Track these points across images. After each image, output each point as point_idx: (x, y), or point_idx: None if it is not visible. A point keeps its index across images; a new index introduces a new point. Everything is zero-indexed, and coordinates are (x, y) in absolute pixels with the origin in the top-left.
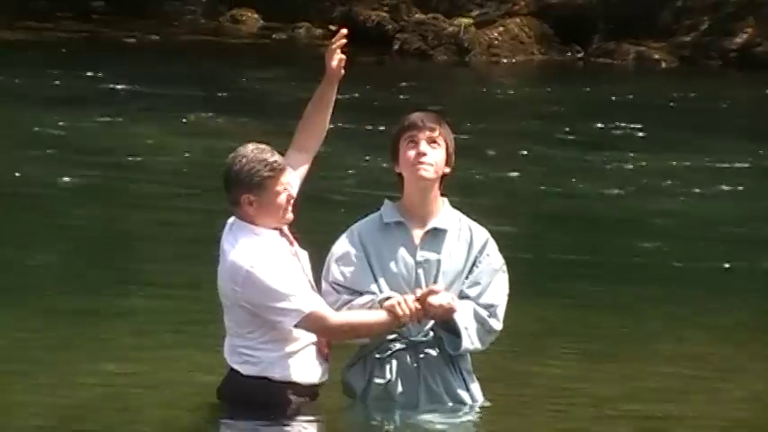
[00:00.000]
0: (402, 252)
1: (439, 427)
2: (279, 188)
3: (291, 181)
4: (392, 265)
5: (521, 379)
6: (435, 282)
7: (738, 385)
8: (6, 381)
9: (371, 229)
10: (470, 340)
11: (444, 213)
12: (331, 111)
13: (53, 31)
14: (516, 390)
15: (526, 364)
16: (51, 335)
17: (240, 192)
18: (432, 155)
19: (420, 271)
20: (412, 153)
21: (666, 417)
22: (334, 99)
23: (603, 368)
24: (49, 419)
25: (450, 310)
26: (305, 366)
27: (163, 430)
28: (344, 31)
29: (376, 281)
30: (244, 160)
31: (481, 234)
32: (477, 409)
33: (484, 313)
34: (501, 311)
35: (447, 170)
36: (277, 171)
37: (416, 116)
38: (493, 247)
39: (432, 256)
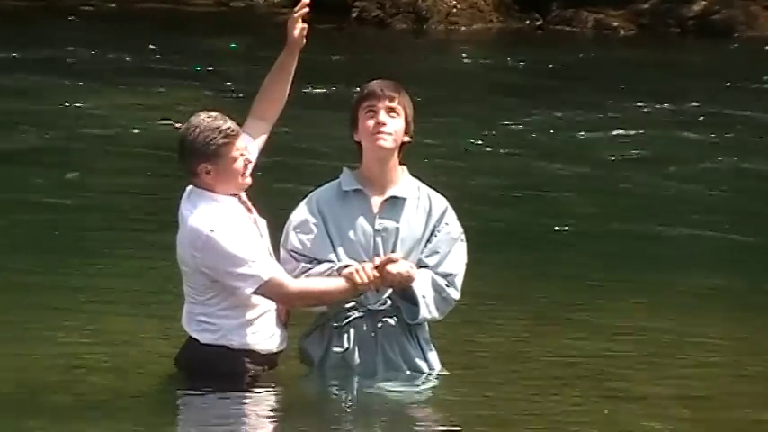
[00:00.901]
0: (360, 220)
1: (396, 395)
2: (235, 153)
3: (250, 148)
4: (350, 233)
5: (474, 347)
6: (394, 250)
7: (688, 357)
8: None
9: (330, 197)
10: (428, 309)
11: (403, 182)
12: (291, 80)
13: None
14: (471, 358)
15: (479, 332)
16: (9, 305)
17: (197, 162)
18: (391, 124)
19: (378, 239)
20: (371, 123)
21: (617, 387)
22: (294, 68)
23: (554, 338)
24: (7, 388)
25: (409, 279)
26: (263, 334)
27: (121, 400)
28: (307, 0)
29: (334, 249)
30: (197, 130)
31: (440, 203)
32: (435, 377)
33: (442, 282)
34: (459, 281)
35: (406, 139)
36: (231, 137)
37: (375, 85)
38: (452, 215)
39: (390, 224)
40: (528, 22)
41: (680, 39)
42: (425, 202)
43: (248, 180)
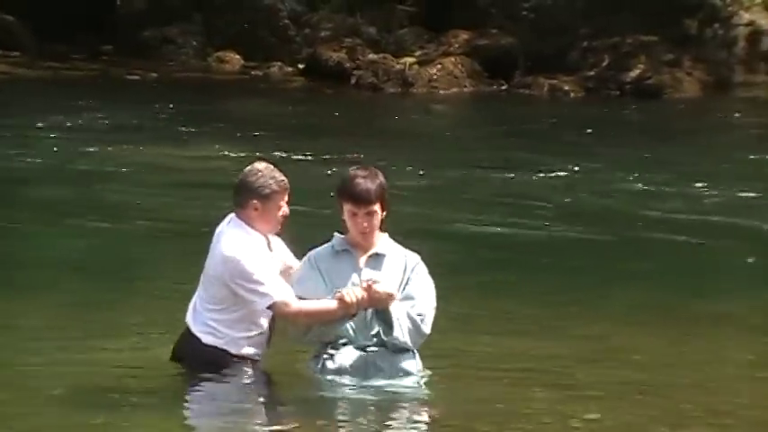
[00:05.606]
0: (349, 273)
1: (386, 396)
2: (281, 203)
3: (284, 255)
4: (341, 283)
5: (451, 353)
6: None
7: (640, 354)
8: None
9: (325, 255)
10: (401, 331)
11: (383, 242)
12: None
13: (69, 70)
14: (450, 362)
15: (455, 341)
16: (30, 315)
17: (250, 197)
18: (370, 223)
19: None
20: (353, 223)
21: (578, 384)
22: None
23: (522, 346)
24: (52, 388)
25: (391, 296)
26: (256, 349)
27: (122, 387)
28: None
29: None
30: (259, 173)
31: (413, 258)
32: (421, 377)
33: (417, 318)
34: (430, 319)
35: (384, 214)
36: (283, 188)
37: (357, 191)
38: (422, 268)
39: (373, 275)
40: (495, 87)
41: (620, 99)
42: (402, 257)
43: (279, 227)
